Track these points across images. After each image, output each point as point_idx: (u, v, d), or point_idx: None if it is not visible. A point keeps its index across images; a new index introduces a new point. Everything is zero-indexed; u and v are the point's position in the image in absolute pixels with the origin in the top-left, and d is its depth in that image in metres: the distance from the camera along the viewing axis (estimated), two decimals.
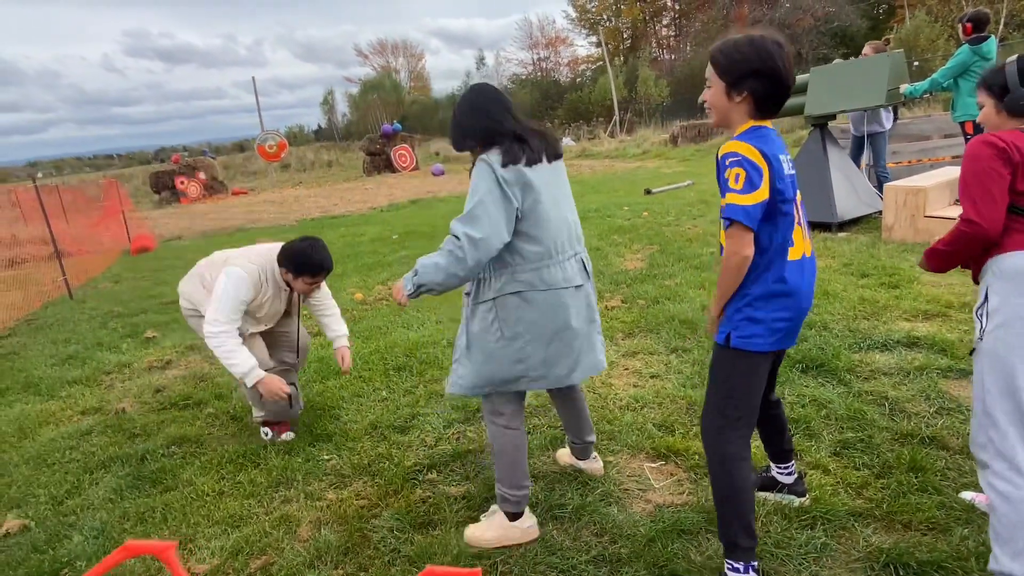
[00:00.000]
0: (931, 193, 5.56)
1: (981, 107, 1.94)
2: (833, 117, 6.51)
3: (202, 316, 3.04)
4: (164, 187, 22.46)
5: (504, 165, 1.96)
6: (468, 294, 2.17)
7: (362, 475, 2.81)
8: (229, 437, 3.35)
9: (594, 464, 2.60)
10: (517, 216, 2.00)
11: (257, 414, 3.21)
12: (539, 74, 50.92)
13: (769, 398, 2.13)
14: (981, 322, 1.84)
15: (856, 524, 2.13)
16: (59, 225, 10.64)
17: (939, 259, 1.97)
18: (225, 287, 2.90)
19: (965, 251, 1.89)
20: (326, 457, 2.99)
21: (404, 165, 24.12)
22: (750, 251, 1.70)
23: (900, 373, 3.17)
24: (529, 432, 2.95)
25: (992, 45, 5.57)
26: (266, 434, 3.22)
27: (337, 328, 3.37)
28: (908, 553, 1.94)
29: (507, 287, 2.05)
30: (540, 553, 2.16)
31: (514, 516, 2.23)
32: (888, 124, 7.06)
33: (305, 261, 2.96)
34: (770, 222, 1.73)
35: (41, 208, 8.13)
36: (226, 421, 3.56)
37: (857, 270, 4.93)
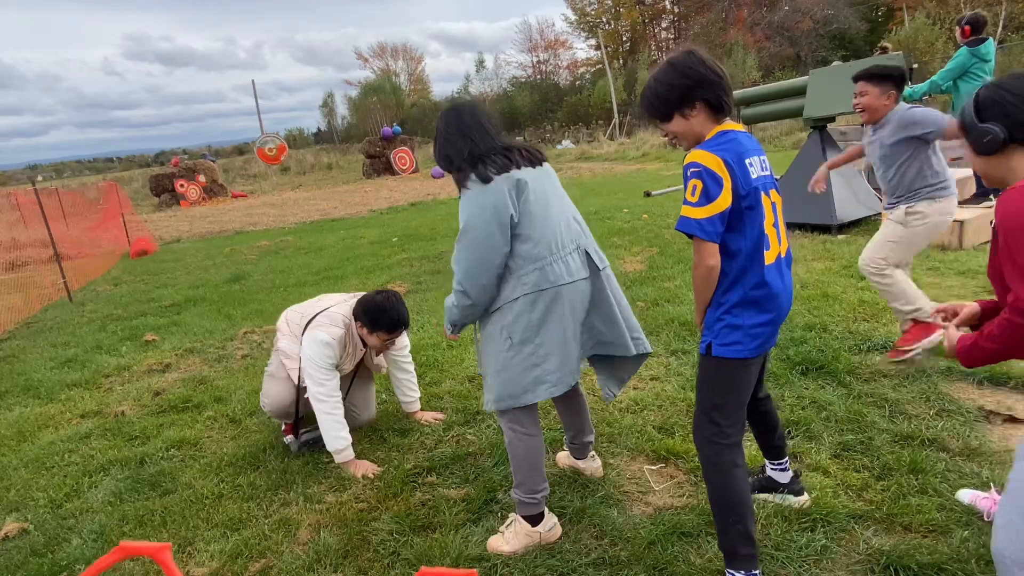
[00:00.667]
0: None
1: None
2: (832, 119, 6.52)
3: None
4: (164, 190, 22.46)
5: (488, 179, 2.02)
6: None
7: (361, 478, 2.81)
8: (228, 440, 3.34)
9: (593, 464, 2.60)
10: (512, 221, 2.01)
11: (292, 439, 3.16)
12: (538, 77, 50.95)
13: (758, 395, 2.14)
14: None
15: (856, 526, 2.13)
16: (59, 228, 10.65)
17: (982, 357, 1.55)
18: (311, 354, 2.84)
19: (1018, 347, 1.46)
20: (326, 460, 2.98)
21: (404, 168, 24.14)
22: (713, 261, 1.73)
23: (900, 375, 3.17)
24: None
25: (990, 46, 5.58)
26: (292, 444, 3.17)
27: (411, 392, 3.28)
28: (908, 555, 1.94)
29: (513, 292, 2.05)
30: (540, 556, 2.15)
31: (535, 519, 2.21)
32: None
33: (382, 316, 2.86)
34: (737, 229, 1.73)
35: (41, 211, 8.13)
36: (225, 424, 3.55)
37: (857, 272, 4.92)
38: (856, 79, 3.17)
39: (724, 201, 1.68)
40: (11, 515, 2.81)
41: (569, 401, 2.48)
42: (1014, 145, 1.48)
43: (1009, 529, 1.43)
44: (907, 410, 2.83)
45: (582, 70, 50.01)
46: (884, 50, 7.24)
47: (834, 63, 6.83)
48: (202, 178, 22.56)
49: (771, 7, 36.00)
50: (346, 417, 3.23)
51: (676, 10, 44.27)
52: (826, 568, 1.97)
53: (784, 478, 2.25)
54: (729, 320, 1.78)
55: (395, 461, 2.91)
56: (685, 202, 1.72)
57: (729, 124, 1.80)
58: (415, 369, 3.34)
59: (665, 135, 1.89)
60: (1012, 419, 2.69)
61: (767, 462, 2.29)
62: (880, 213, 6.15)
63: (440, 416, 3.28)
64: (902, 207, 3.12)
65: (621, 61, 44.60)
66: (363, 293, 3.03)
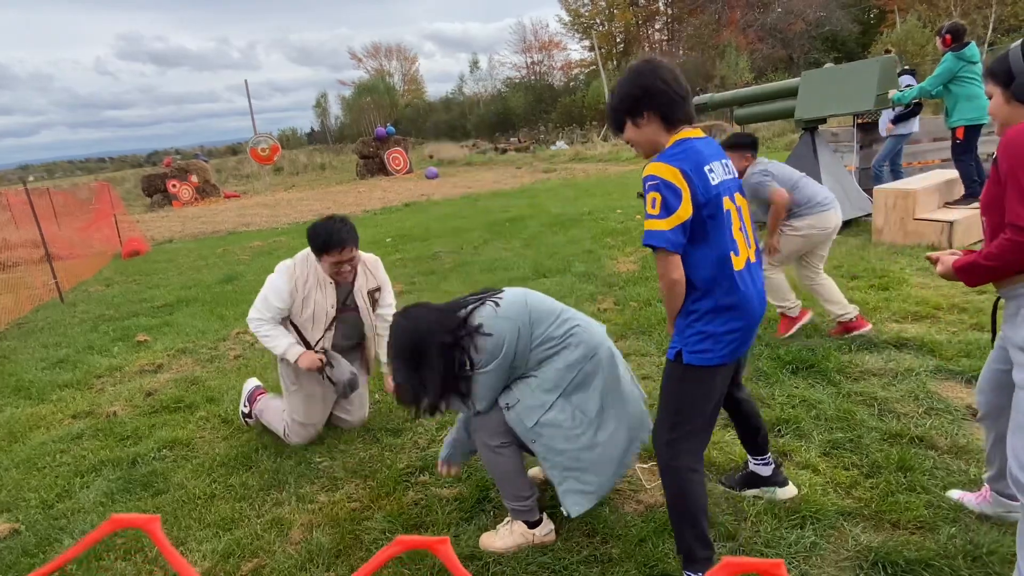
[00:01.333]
0: (920, 196, 5.61)
1: (990, 97, 1.81)
2: (823, 120, 6.56)
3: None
4: (156, 190, 22.32)
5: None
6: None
7: (354, 478, 2.81)
8: (220, 440, 3.34)
9: None
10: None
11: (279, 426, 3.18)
12: (532, 78, 51.05)
13: (738, 396, 2.17)
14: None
15: (845, 523, 2.15)
16: (50, 228, 10.58)
17: (978, 275, 1.74)
18: (267, 281, 3.03)
19: (1015, 264, 1.63)
20: (318, 460, 2.98)
21: (398, 168, 24.11)
22: (677, 275, 1.74)
23: (889, 374, 3.20)
24: None
25: (974, 49, 5.70)
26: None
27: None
28: (896, 551, 1.96)
29: (551, 395, 2.12)
30: (532, 553, 2.16)
31: (533, 523, 2.22)
32: (915, 127, 7.17)
33: (317, 237, 2.89)
34: (701, 239, 1.74)
35: (32, 211, 8.08)
36: (217, 424, 3.54)
37: (847, 272, 4.97)
38: (723, 146, 4.00)
39: (684, 211, 1.69)
40: (2, 516, 2.80)
41: None
42: None
43: (1019, 456, 1.66)
44: (896, 408, 2.86)
45: (576, 71, 50.17)
46: (888, 52, 7.40)
47: (826, 65, 6.89)
48: (195, 178, 22.45)
49: (764, 9, 36.18)
50: (339, 418, 3.25)
51: (670, 12, 44.44)
52: (815, 565, 1.99)
53: (766, 471, 2.29)
54: (700, 328, 1.79)
55: (388, 461, 2.91)
56: (647, 216, 1.73)
57: (688, 132, 1.80)
58: None
59: (627, 142, 1.91)
60: None
61: (749, 458, 2.32)
62: (870, 214, 6.20)
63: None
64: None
65: (615, 62, 44.68)
66: None
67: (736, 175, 1.86)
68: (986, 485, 2.14)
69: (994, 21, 25.78)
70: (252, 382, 3.49)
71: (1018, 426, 1.66)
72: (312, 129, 72.48)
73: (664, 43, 45.10)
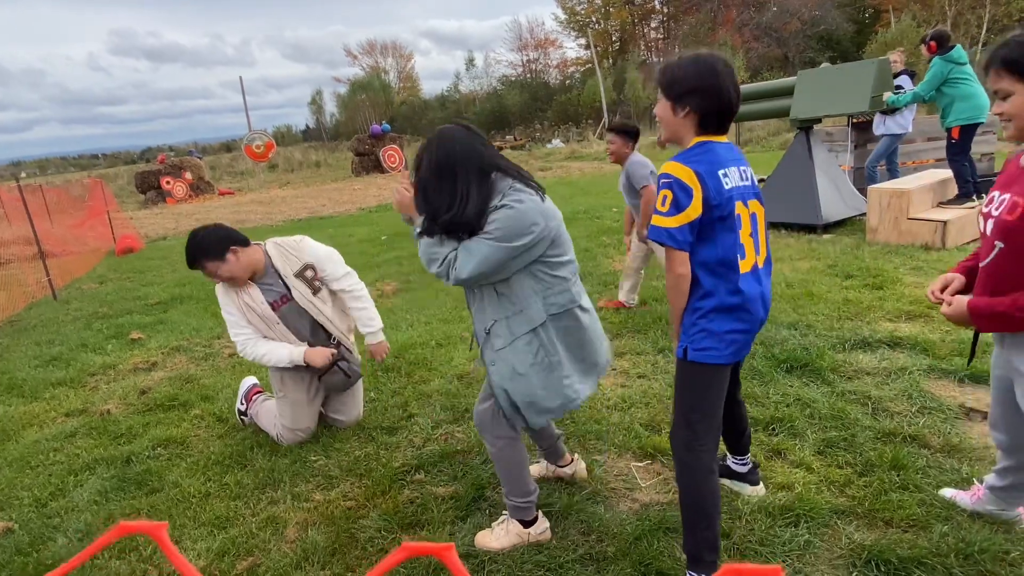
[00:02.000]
0: (914, 196, 5.64)
1: (1004, 97, 1.56)
2: (819, 120, 6.58)
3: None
4: (150, 187, 22.20)
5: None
6: (489, 334, 2.04)
7: (350, 476, 2.81)
8: (215, 438, 3.33)
9: (577, 466, 2.60)
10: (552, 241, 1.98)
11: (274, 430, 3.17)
12: (528, 76, 50.98)
13: (735, 397, 2.19)
14: None
15: (839, 521, 2.16)
16: (43, 225, 10.53)
17: (1006, 326, 1.64)
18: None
19: None
20: (313, 458, 2.98)
21: (393, 165, 24.06)
22: (683, 270, 1.77)
23: (883, 373, 3.22)
24: None
25: (961, 51, 5.79)
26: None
27: (370, 322, 3.13)
28: (889, 549, 1.97)
29: (544, 313, 1.99)
30: (527, 551, 2.17)
31: (529, 522, 2.22)
32: (909, 127, 7.21)
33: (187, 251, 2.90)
34: (709, 239, 1.76)
35: (25, 208, 8.03)
36: (212, 423, 3.54)
37: (842, 271, 4.99)
38: (609, 130, 4.34)
39: (694, 211, 1.71)
40: None
41: None
42: None
43: (996, 423, 1.82)
44: (889, 407, 2.87)
45: (572, 69, 50.11)
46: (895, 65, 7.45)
47: (823, 64, 6.90)
48: (189, 175, 22.35)
49: (759, 8, 36.25)
50: (334, 418, 3.25)
51: (665, 10, 44.43)
52: (809, 563, 2.00)
53: (742, 469, 2.35)
54: (704, 325, 1.81)
55: (383, 459, 2.91)
56: (656, 212, 1.76)
57: (711, 135, 1.80)
58: (371, 298, 3.20)
59: (655, 114, 1.87)
60: None
61: (729, 455, 2.38)
62: (864, 213, 6.23)
63: (383, 351, 3.17)
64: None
65: (611, 61, 44.70)
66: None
67: (754, 182, 1.85)
68: (978, 484, 2.16)
69: (988, 21, 25.89)
70: (249, 380, 3.48)
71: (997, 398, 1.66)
72: (307, 126, 72.28)
73: (660, 42, 45.13)
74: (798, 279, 4.87)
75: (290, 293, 3.01)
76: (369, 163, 24.44)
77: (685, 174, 1.71)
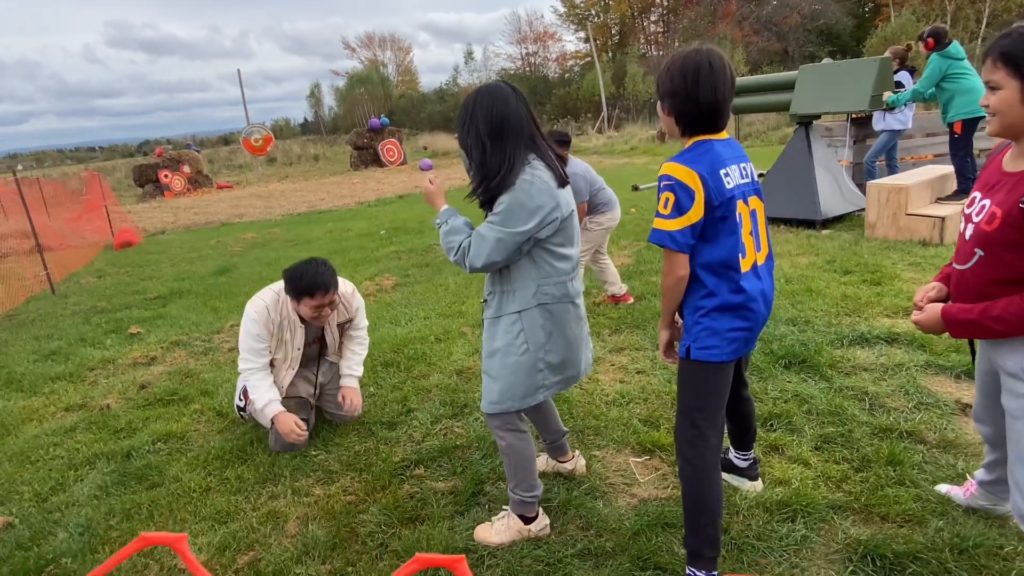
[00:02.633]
0: (913, 191, 5.64)
1: (995, 89, 1.52)
2: (818, 116, 6.58)
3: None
4: (147, 180, 22.13)
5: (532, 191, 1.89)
6: (486, 302, 2.11)
7: (350, 471, 2.82)
8: (215, 433, 3.34)
9: (578, 463, 2.61)
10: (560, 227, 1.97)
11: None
12: (527, 69, 50.79)
13: (741, 394, 2.19)
14: None
15: (835, 516, 2.18)
16: (40, 219, 10.50)
17: (977, 334, 1.65)
18: (243, 325, 3.00)
19: None
20: (314, 453, 2.99)
21: (391, 159, 24.01)
22: (683, 272, 1.76)
23: (880, 369, 3.23)
24: None
25: (957, 46, 5.80)
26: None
27: (354, 367, 3.28)
28: (885, 544, 1.99)
29: (534, 299, 2.00)
30: (526, 546, 2.18)
31: (530, 518, 2.23)
32: (908, 123, 7.22)
33: (299, 281, 2.85)
34: (711, 239, 1.75)
35: (22, 201, 8.02)
36: (212, 417, 3.54)
37: (840, 267, 5.00)
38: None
39: (696, 213, 1.70)
40: None
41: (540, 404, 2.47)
42: None
43: (981, 416, 1.75)
44: (886, 403, 2.89)
45: (571, 63, 49.93)
46: (908, 48, 7.50)
47: (824, 60, 6.89)
48: (187, 168, 22.29)
49: (759, 2, 36.12)
50: (334, 413, 3.26)
51: (665, 3, 44.24)
52: (806, 557, 2.02)
53: (743, 464, 2.36)
54: (706, 324, 1.81)
55: (383, 454, 2.92)
56: (657, 214, 1.74)
57: (708, 134, 1.79)
58: (369, 346, 3.43)
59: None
60: None
61: (732, 450, 2.38)
62: (863, 209, 6.23)
63: (354, 410, 3.20)
64: (585, 219, 4.50)
65: (610, 54, 44.53)
66: None
67: (754, 178, 1.85)
68: (970, 479, 2.17)
69: (988, 16, 25.83)
70: None
71: (1019, 458, 1.62)
72: (305, 119, 71.92)
73: (660, 35, 44.99)
74: (797, 275, 4.88)
75: (325, 340, 3.20)
76: (368, 157, 24.39)
77: (687, 176, 1.69)
